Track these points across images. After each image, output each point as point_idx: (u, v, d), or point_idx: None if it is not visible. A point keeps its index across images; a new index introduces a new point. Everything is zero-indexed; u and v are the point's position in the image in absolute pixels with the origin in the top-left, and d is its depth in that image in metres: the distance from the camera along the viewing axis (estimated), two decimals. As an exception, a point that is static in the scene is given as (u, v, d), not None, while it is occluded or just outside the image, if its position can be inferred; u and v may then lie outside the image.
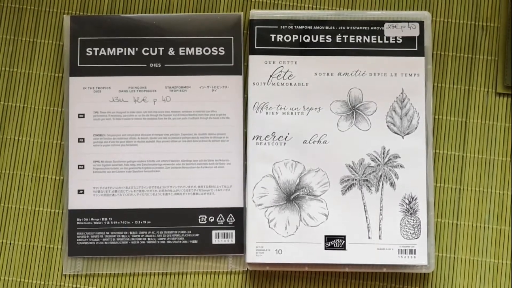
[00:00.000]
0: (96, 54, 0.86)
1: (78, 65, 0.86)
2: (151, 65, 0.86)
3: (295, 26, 0.86)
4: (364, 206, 0.84)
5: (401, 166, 0.84)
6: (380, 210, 0.83)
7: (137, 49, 0.86)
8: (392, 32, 0.86)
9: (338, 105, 0.85)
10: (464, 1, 0.88)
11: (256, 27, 0.86)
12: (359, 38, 0.86)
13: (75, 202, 0.85)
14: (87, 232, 0.85)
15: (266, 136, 0.84)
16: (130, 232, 0.85)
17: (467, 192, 0.86)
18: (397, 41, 0.85)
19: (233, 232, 0.85)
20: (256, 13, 0.86)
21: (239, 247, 0.85)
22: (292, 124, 0.85)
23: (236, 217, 0.85)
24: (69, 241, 0.85)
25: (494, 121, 0.87)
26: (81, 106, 0.86)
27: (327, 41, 0.86)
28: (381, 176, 0.84)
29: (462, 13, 0.88)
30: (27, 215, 0.86)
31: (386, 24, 0.86)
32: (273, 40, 0.86)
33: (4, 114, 0.87)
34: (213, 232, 0.85)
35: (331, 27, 0.86)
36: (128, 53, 0.86)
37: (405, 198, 0.84)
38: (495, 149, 0.86)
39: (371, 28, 0.86)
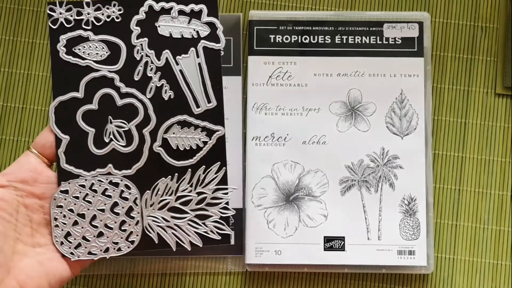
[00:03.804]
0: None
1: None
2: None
3: (294, 27, 0.86)
4: (364, 207, 0.83)
5: (400, 167, 0.84)
6: (380, 211, 0.83)
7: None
8: (391, 32, 0.85)
9: (337, 105, 0.85)
10: (463, 1, 0.88)
11: (255, 27, 0.86)
12: (358, 38, 0.85)
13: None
14: (86, 233, 0.85)
15: (265, 137, 0.84)
16: (129, 233, 0.85)
17: (467, 192, 0.86)
18: (396, 42, 0.85)
19: (232, 233, 0.85)
20: (255, 14, 0.86)
21: (238, 248, 0.85)
22: (291, 125, 0.84)
23: (236, 218, 0.85)
24: (68, 242, 0.85)
25: (493, 121, 0.87)
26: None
27: (326, 41, 0.86)
28: (380, 177, 0.84)
29: (461, 13, 0.88)
30: (26, 216, 0.86)
31: (385, 25, 0.86)
32: (272, 40, 0.86)
33: (3, 114, 0.87)
34: (212, 233, 0.85)
35: (330, 27, 0.86)
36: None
37: (404, 199, 0.83)
38: (494, 150, 0.86)
39: (370, 28, 0.86)
